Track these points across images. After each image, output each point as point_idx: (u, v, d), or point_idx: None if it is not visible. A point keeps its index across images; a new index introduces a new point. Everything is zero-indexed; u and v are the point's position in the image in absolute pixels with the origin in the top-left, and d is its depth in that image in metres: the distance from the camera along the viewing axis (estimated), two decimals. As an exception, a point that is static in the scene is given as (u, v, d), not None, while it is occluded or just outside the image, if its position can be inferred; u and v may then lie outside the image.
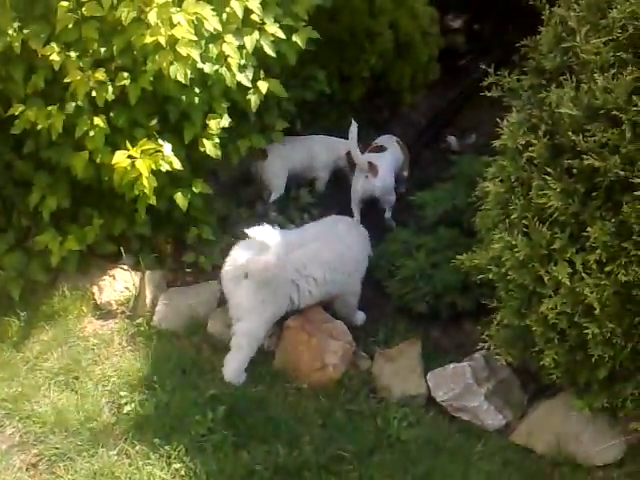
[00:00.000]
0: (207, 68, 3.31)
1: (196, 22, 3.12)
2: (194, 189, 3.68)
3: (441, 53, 5.34)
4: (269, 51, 3.46)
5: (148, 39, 2.97)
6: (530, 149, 2.44)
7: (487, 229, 2.79)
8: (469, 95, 6.45)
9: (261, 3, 3.37)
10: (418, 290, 3.59)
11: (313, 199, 4.33)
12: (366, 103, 4.87)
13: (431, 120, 6.09)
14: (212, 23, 3.12)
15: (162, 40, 2.95)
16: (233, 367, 3.23)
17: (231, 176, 4.33)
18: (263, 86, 3.57)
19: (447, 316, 3.59)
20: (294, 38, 3.56)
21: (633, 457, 2.80)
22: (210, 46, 3.30)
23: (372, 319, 3.69)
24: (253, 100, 3.58)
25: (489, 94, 2.85)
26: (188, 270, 4.02)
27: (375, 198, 4.20)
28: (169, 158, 3.35)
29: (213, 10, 3.15)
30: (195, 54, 3.09)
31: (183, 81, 3.11)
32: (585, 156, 2.24)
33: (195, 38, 3.02)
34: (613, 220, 2.23)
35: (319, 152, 4.41)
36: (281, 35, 3.44)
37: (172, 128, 3.54)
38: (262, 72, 3.58)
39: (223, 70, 3.37)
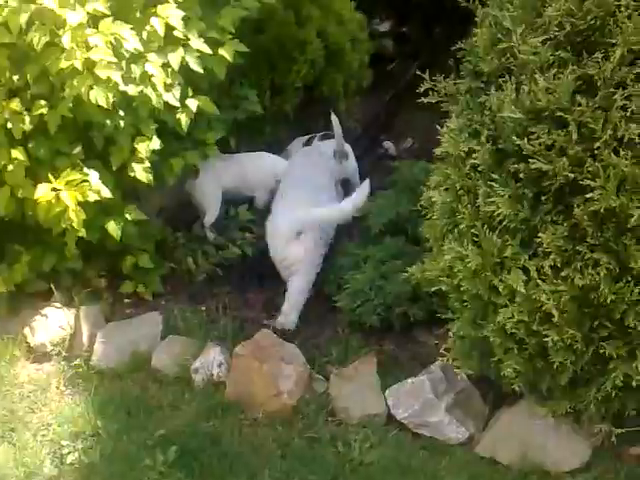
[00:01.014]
0: (131, 90, 3.12)
1: (115, 43, 2.94)
2: (127, 216, 3.49)
3: (371, 58, 5.29)
4: (196, 67, 3.30)
5: (63, 64, 2.77)
6: (474, 156, 2.36)
7: (435, 239, 2.71)
8: (402, 99, 6.45)
9: (183, 18, 3.21)
10: (369, 303, 3.49)
11: (254, 217, 4.20)
12: (300, 114, 4.76)
13: (366, 126, 6.03)
14: (132, 43, 2.94)
15: (78, 64, 2.76)
16: (293, 319, 3.55)
17: (167, 199, 4.14)
18: (193, 104, 3.41)
19: (400, 327, 3.49)
20: (221, 52, 3.41)
21: (599, 460, 2.75)
22: (132, 66, 3.11)
23: (324, 336, 3.58)
24: (183, 119, 3.42)
25: (426, 100, 2.76)
26: (127, 301, 3.84)
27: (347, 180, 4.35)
28: (97, 187, 3.15)
29: (132, 29, 2.97)
30: (116, 76, 2.91)
31: (105, 105, 2.92)
32: (531, 160, 2.17)
33: (114, 60, 2.84)
34: (565, 224, 2.16)
35: (254, 170, 4.25)
36: (207, 50, 3.28)
37: (98, 155, 3.35)
38: (190, 90, 3.42)
39: (148, 90, 3.19)
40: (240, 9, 3.53)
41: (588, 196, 2.06)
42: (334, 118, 4.29)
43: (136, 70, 3.13)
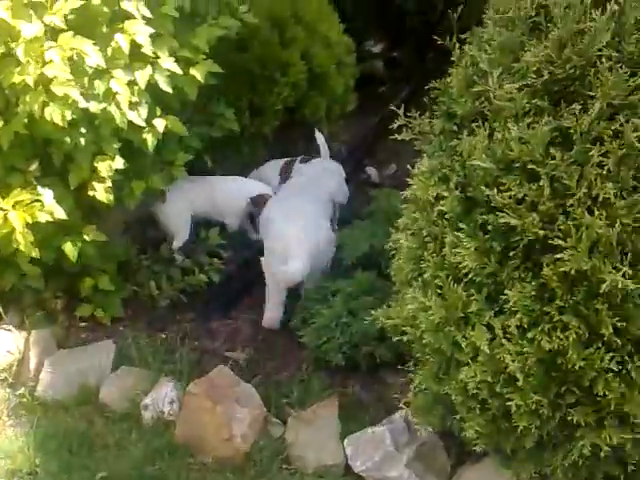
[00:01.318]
0: (93, 107, 2.97)
1: (76, 58, 2.78)
2: (85, 237, 3.33)
3: (360, 79, 5.16)
4: (164, 87, 3.15)
5: (16, 78, 2.62)
6: (441, 202, 2.20)
7: (401, 283, 2.55)
8: (389, 123, 6.32)
9: (154, 35, 3.06)
10: (334, 340, 3.33)
11: (224, 241, 4.04)
12: (280, 136, 4.62)
13: (351, 150, 5.90)
14: (94, 59, 2.79)
15: (30, 80, 2.60)
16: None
17: (133, 216, 3.97)
18: (160, 124, 3.26)
19: (366, 367, 3.33)
20: (192, 72, 3.26)
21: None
22: (95, 83, 2.96)
23: (287, 373, 3.41)
24: (150, 139, 3.26)
25: (399, 137, 2.62)
26: (84, 325, 3.67)
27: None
28: (50, 208, 2.99)
29: (95, 44, 2.82)
30: (75, 93, 2.75)
31: (61, 123, 2.76)
32: (500, 213, 2.01)
33: (70, 77, 2.68)
34: (533, 282, 2.00)
35: (226, 195, 4.09)
36: (177, 70, 3.13)
37: (57, 172, 3.19)
38: (158, 109, 3.26)
39: (112, 108, 3.04)
40: (217, 28, 3.39)
41: (558, 256, 1.91)
42: (319, 135, 4.15)
43: (100, 87, 2.98)
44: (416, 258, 2.31)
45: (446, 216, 2.19)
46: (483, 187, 2.05)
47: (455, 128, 2.29)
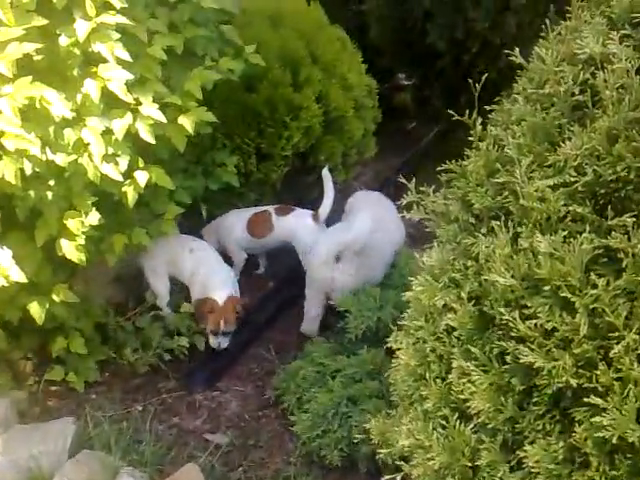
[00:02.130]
0: (60, 159, 2.59)
1: (39, 106, 2.41)
2: (54, 297, 2.95)
3: (389, 111, 4.74)
4: (146, 136, 2.75)
5: (-39, 130, 2.25)
6: (449, 316, 1.75)
7: (401, 398, 2.09)
8: (416, 166, 5.88)
9: (137, 80, 2.68)
10: (331, 434, 2.89)
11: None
12: (292, 182, 4.21)
13: (373, 193, 5.46)
14: (59, 108, 2.41)
15: (-28, 134, 2.24)
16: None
17: (118, 269, 3.58)
18: (142, 177, 2.87)
19: (366, 470, 2.88)
20: (181, 121, 2.87)
21: None
22: (65, 132, 2.58)
23: (273, 466, 2.97)
24: (130, 194, 2.87)
25: (408, 215, 2.18)
26: (55, 389, 3.30)
27: None
28: (5, 271, 2.60)
29: (61, 91, 2.43)
30: (33, 147, 2.37)
31: (13, 181, 2.38)
32: (522, 346, 1.56)
33: (19, 132, 2.29)
34: (561, 442, 1.53)
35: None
36: (161, 118, 2.74)
37: (23, 227, 2.82)
38: (141, 160, 2.87)
39: (84, 160, 2.66)
40: (214, 72, 2.99)
41: (596, 419, 1.44)
42: (326, 174, 3.72)
43: (70, 136, 2.60)
44: (417, 376, 1.86)
45: (455, 334, 1.74)
46: (502, 308, 1.60)
47: (472, 220, 1.84)
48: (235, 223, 3.90)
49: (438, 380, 1.79)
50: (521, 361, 1.54)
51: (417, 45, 5.00)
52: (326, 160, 4.14)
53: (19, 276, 2.63)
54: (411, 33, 4.94)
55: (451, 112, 2.00)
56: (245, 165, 3.88)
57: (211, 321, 3.31)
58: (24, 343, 3.24)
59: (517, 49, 1.95)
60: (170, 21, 2.89)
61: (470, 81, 2.07)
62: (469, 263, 1.73)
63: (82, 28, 2.38)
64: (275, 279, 4.11)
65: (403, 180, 2.27)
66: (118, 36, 2.52)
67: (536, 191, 1.58)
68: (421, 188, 2.22)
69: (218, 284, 3.39)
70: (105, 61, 2.52)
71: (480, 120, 1.95)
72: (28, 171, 2.47)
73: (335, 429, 2.89)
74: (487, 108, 1.94)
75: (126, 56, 2.53)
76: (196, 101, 2.94)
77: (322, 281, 3.41)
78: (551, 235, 1.54)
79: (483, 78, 1.86)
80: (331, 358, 3.14)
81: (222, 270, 3.51)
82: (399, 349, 2.07)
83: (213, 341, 3.36)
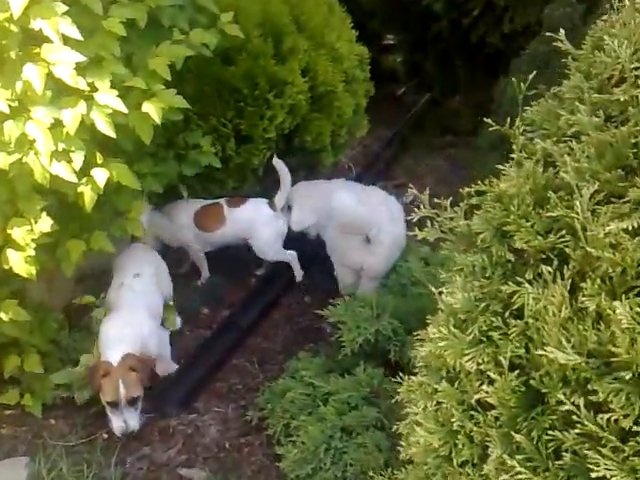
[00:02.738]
0: (0, 160, 2.16)
1: (-32, 96, 1.96)
2: (2, 315, 2.54)
3: (377, 75, 4.31)
4: (104, 128, 2.30)
5: None
6: (485, 388, 1.37)
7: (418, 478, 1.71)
8: (406, 137, 5.47)
9: (91, 61, 2.23)
10: (323, 472, 2.52)
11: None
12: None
13: (362, 170, 5.08)
14: (-7, 100, 1.96)
15: None
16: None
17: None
18: (100, 176, 2.43)
19: (362, 516, 2.55)
20: (145, 108, 2.42)
21: None
22: (5, 126, 2.14)
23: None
24: (87, 195, 2.44)
25: (420, 235, 1.79)
26: (9, 413, 2.91)
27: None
28: None
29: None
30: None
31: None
32: (587, 445, 1.18)
33: None
34: None
35: None
36: (120, 106, 2.29)
37: (-39, 237, 2.39)
38: (99, 155, 2.44)
39: (29, 159, 2.22)
40: (184, 47, 2.54)
41: None
42: (278, 163, 3.41)
43: (11, 131, 2.15)
44: (440, 462, 1.49)
45: (493, 413, 1.36)
46: (560, 391, 1.22)
47: (510, 258, 1.45)
48: (184, 212, 3.49)
49: (469, 467, 1.42)
50: (586, 464, 1.17)
51: (411, 7, 4.53)
52: (313, 141, 3.72)
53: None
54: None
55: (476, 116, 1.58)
56: (223, 149, 3.43)
57: (105, 389, 2.66)
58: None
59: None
60: (129, -13, 2.43)
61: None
62: (512, 321, 1.34)
63: (17, 1, 1.91)
64: (257, 278, 3.73)
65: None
66: (65, 9, 2.05)
67: (606, 235, 1.19)
68: (436, 200, 1.82)
69: (111, 340, 2.76)
70: (49, 40, 2.06)
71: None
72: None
73: (327, 467, 2.52)
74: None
75: (75, 34, 2.07)
76: (164, 83, 2.49)
77: (353, 264, 3.36)
78: (628, 297, 1.15)
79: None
80: (323, 378, 2.76)
81: (119, 319, 2.87)
82: (411, 400, 1.70)
83: (116, 422, 2.67)
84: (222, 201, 3.51)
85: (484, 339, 1.44)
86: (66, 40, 2.07)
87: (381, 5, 4.79)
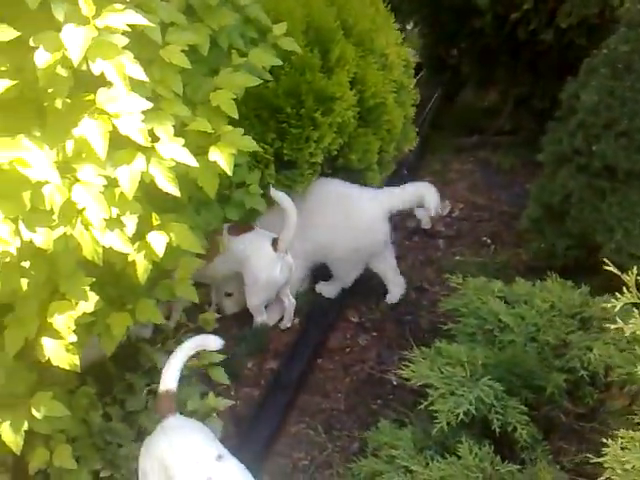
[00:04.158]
0: (39, 238, 1.66)
1: (8, 167, 1.46)
2: (34, 412, 2.06)
3: None
4: (167, 186, 1.82)
5: None
6: None
7: None
8: (429, 134, 5.04)
9: (150, 99, 1.73)
10: None
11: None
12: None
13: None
14: (40, 170, 1.47)
15: None
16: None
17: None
18: (158, 241, 1.95)
19: None
20: (212, 156, 1.94)
21: None
22: (46, 192, 1.64)
23: None
24: (141, 264, 1.96)
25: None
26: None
27: None
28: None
29: (40, 140, 1.49)
30: (3, 231, 1.44)
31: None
32: None
33: None
34: None
35: None
36: (189, 160, 1.81)
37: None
38: (155, 216, 1.95)
39: (77, 232, 1.73)
40: (247, 75, 2.06)
41: None
42: (278, 194, 2.92)
43: (54, 198, 1.65)
44: None
45: None
46: None
47: None
48: None
49: None
50: None
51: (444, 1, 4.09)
52: (359, 160, 3.27)
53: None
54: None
55: None
56: (262, 176, 2.96)
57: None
58: (-3, 457, 2.35)
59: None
60: (186, 3, 1.93)
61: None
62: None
63: (75, 38, 1.41)
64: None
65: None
66: (125, 41, 1.55)
67: None
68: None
69: None
70: (106, 83, 1.56)
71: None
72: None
73: None
74: None
75: (140, 74, 1.58)
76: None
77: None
78: None
79: None
80: (417, 459, 2.33)
81: None
82: None
83: None
84: (225, 226, 3.02)
85: None
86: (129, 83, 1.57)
87: (407, -2, 4.33)
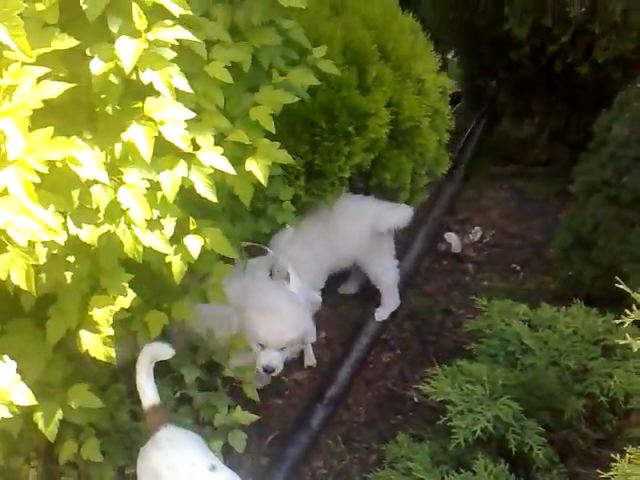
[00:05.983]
0: (85, 234, 1.78)
1: (60, 164, 1.59)
2: (70, 402, 2.17)
3: None
4: (206, 192, 1.94)
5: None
6: None
7: None
8: (468, 168, 5.08)
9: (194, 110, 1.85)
10: None
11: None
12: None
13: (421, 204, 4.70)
14: (89, 169, 1.59)
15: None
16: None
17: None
18: (194, 245, 2.06)
19: None
20: (249, 166, 2.05)
21: None
22: (94, 192, 1.76)
23: None
24: (177, 265, 2.06)
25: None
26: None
27: None
28: (7, 395, 1.80)
29: (93, 143, 1.62)
30: (48, 235, 1.56)
31: (23, 285, 1.58)
32: None
33: (37, 226, 1.48)
34: None
35: None
36: (227, 168, 1.93)
37: (27, 313, 2.02)
38: (192, 221, 2.06)
39: (119, 230, 1.85)
40: (286, 93, 2.17)
41: None
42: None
43: (101, 198, 1.78)
44: None
45: None
46: None
47: None
48: None
49: None
50: None
51: (483, 32, 4.18)
52: (392, 180, 3.36)
53: (25, 398, 1.83)
54: (479, 16, 4.11)
55: None
56: (292, 185, 3.06)
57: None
58: (24, 446, 2.45)
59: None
60: (231, 23, 2.06)
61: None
62: None
63: (127, 49, 1.54)
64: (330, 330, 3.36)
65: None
66: (173, 55, 1.68)
67: None
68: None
69: None
70: (153, 93, 1.69)
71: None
72: (42, 259, 1.67)
73: None
74: None
75: (185, 85, 1.70)
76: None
77: None
78: None
79: None
80: (433, 473, 2.38)
81: None
82: None
83: None
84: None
85: None
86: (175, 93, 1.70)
87: (448, 28, 4.43)
